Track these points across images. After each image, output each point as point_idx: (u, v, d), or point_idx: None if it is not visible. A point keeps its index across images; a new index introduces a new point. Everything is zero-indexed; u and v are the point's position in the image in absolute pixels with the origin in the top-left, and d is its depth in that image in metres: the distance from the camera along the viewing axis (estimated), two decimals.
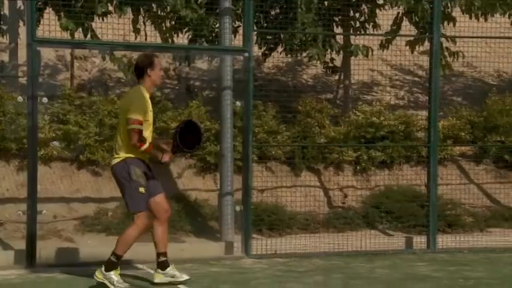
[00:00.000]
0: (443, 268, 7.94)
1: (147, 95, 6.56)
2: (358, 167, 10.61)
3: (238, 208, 8.72)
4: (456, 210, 10.14)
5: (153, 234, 6.73)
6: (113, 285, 6.40)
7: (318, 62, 11.20)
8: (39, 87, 8.20)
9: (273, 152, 10.34)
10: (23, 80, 10.26)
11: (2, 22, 10.56)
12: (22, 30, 10.00)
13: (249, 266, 8.00)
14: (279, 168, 10.38)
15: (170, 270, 6.72)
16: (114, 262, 6.49)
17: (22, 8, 10.12)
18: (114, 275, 6.44)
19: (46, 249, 7.99)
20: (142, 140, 6.37)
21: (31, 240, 7.70)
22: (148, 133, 6.48)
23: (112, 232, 8.96)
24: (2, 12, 10.46)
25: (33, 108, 7.83)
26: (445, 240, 9.21)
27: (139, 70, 6.57)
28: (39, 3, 9.14)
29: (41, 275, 7.23)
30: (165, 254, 6.73)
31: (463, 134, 10.96)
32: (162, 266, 6.72)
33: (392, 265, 8.17)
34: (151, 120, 6.60)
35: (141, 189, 6.43)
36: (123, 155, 6.46)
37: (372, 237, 9.33)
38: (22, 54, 10.04)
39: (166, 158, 6.55)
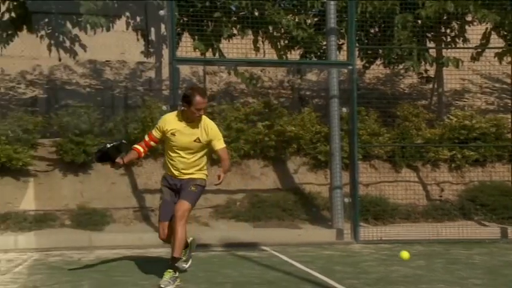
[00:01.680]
0: None
1: (175, 120, 5.83)
2: (453, 165, 10.28)
3: (346, 200, 8.65)
4: None
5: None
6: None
7: (414, 73, 10.98)
8: (178, 98, 8.30)
9: (376, 152, 10.21)
10: (166, 93, 10.61)
11: (150, 46, 10.99)
12: (165, 52, 10.32)
13: (357, 250, 7.92)
14: (381, 165, 10.22)
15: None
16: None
17: (165, 33, 10.45)
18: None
19: (188, 232, 7.99)
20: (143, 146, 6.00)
21: None
22: (170, 150, 5.91)
23: (240, 219, 9.12)
24: (150, 38, 10.89)
25: None
26: None
27: (181, 99, 5.92)
28: (178, 29, 9.40)
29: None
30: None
31: None
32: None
33: (489, 253, 7.84)
34: (174, 142, 5.84)
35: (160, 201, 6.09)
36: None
37: (469, 227, 8.98)
38: (165, 71, 10.38)
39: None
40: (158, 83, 11.40)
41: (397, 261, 7.07)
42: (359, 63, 10.57)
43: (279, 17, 9.84)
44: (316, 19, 10.37)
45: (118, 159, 5.84)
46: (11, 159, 8.84)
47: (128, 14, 10.68)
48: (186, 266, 6.13)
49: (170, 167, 5.92)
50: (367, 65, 11.12)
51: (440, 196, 10.01)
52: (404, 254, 6.15)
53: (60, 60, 10.97)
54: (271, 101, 10.84)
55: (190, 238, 6.23)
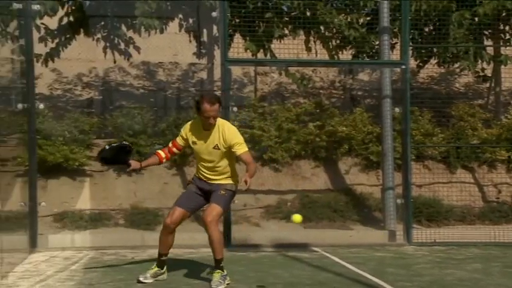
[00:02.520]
0: None
1: (195, 128, 5.78)
2: (511, 166, 10.01)
3: (399, 201, 8.51)
4: None
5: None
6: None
7: (470, 72, 10.73)
8: (230, 98, 8.34)
9: (429, 152, 10.05)
10: (217, 93, 10.66)
11: (202, 47, 11.09)
12: (217, 53, 10.38)
13: (410, 253, 7.78)
14: (435, 166, 10.04)
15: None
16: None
17: (217, 35, 10.52)
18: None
19: (239, 232, 8.25)
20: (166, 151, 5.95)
21: (227, 224, 7.97)
22: (196, 157, 5.90)
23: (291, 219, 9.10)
24: (202, 39, 10.99)
25: (226, 116, 7.99)
26: None
27: (195, 106, 5.83)
28: (230, 30, 9.45)
29: (235, 254, 7.43)
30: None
31: None
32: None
33: None
34: (196, 151, 5.82)
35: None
36: None
37: None
38: (217, 72, 10.46)
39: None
40: (210, 84, 11.48)
41: (452, 264, 6.96)
42: (412, 63, 10.40)
43: (331, 16, 9.76)
44: (368, 18, 10.25)
45: (133, 163, 5.79)
46: (67, 160, 9.07)
47: (180, 15, 10.80)
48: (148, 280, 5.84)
49: (199, 171, 5.87)
50: (421, 64, 10.93)
51: (497, 198, 9.76)
52: (297, 218, 5.88)
53: (115, 62, 11.19)
54: (323, 101, 10.79)
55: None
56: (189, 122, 5.91)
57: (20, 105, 7.89)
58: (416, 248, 8.05)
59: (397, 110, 8.80)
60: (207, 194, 5.81)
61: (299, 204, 9.28)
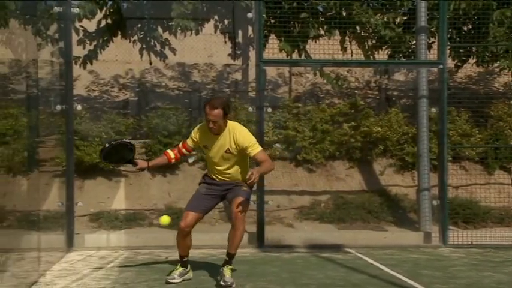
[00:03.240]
0: None
1: (206, 131, 5.67)
2: None
3: (435, 202, 8.40)
4: None
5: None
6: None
7: (510, 72, 10.50)
8: (264, 99, 8.35)
9: (467, 153, 9.89)
10: (252, 94, 10.71)
11: (237, 48, 11.13)
12: (252, 54, 10.40)
13: (446, 255, 7.67)
14: (472, 167, 9.88)
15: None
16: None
17: (252, 35, 10.56)
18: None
19: (272, 232, 8.25)
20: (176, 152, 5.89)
21: (260, 225, 8.00)
22: (208, 160, 5.84)
23: (324, 220, 9.07)
24: (237, 40, 11.03)
25: (260, 116, 8.12)
26: None
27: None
28: (265, 31, 9.46)
29: (269, 254, 7.45)
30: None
31: None
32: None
33: None
34: (208, 155, 5.79)
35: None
36: None
37: None
38: (251, 73, 10.47)
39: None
40: (244, 84, 11.53)
41: (490, 267, 6.83)
42: (450, 62, 10.24)
43: (367, 16, 9.69)
44: (405, 18, 10.14)
45: (140, 162, 5.75)
46: None
47: (216, 17, 10.85)
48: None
49: (212, 172, 5.78)
50: (459, 64, 10.77)
51: None
52: (164, 219, 5.81)
53: (151, 63, 11.30)
54: (358, 101, 10.72)
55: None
56: (201, 126, 5.79)
57: (58, 107, 8.07)
58: (452, 250, 7.94)
59: (433, 110, 8.69)
60: (220, 194, 5.77)
61: (333, 205, 9.25)
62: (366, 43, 10.28)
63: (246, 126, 9.60)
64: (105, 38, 10.52)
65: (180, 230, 5.79)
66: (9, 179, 8.92)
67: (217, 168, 5.73)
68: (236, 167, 5.72)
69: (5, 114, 9.40)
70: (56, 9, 7.94)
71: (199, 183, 5.96)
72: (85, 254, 7.38)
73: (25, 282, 5.89)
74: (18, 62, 11.42)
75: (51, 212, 8.26)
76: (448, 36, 8.99)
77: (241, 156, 5.67)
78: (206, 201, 5.80)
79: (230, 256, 5.75)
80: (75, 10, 8.38)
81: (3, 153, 9.04)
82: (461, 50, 10.46)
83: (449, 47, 9.30)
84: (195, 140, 5.80)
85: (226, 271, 5.73)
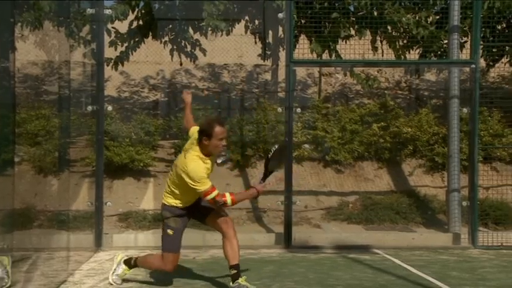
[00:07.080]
0: None
1: (204, 163, 5.40)
2: None
3: (464, 203, 8.28)
4: None
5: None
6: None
7: None
8: (294, 99, 8.32)
9: (498, 153, 9.73)
10: (281, 94, 10.71)
11: (267, 49, 11.14)
12: (281, 54, 10.39)
13: (475, 256, 7.57)
14: (503, 168, 9.73)
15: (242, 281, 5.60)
16: None
17: (282, 36, 10.52)
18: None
19: (299, 233, 8.24)
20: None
21: (288, 225, 7.98)
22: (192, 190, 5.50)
23: (352, 221, 9.03)
24: (267, 41, 11.04)
25: (289, 117, 8.09)
26: None
27: (199, 134, 5.42)
28: (295, 31, 9.44)
29: (296, 255, 7.45)
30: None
31: None
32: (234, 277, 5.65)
33: None
34: None
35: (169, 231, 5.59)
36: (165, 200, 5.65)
37: None
38: (281, 74, 10.48)
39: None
40: (274, 85, 11.54)
41: None
42: (482, 62, 10.09)
43: (399, 15, 9.59)
44: (437, 17, 10.02)
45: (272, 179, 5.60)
46: (133, 160, 9.31)
47: (246, 17, 10.88)
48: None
49: (185, 201, 5.53)
50: (491, 63, 10.60)
51: None
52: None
53: (181, 64, 11.39)
54: (388, 101, 10.64)
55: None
56: (198, 163, 5.36)
57: (89, 107, 8.19)
58: (482, 251, 7.83)
59: (464, 110, 8.57)
60: (191, 212, 5.61)
61: (361, 206, 9.20)
62: (397, 43, 10.20)
63: (275, 127, 9.78)
64: (137, 39, 10.64)
65: (168, 272, 5.71)
66: (41, 179, 9.09)
67: (197, 194, 5.50)
68: None
69: (37, 115, 9.60)
70: (89, 11, 8.05)
71: (167, 217, 5.58)
72: (113, 254, 7.41)
73: (54, 281, 6.00)
74: (51, 64, 11.63)
75: (80, 212, 8.37)
76: (481, 35, 8.86)
77: None
78: (182, 235, 5.67)
79: (237, 267, 5.55)
80: (108, 12, 8.48)
81: (35, 153, 9.23)
82: (494, 49, 10.30)
83: (482, 46, 9.15)
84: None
85: (243, 282, 5.51)
